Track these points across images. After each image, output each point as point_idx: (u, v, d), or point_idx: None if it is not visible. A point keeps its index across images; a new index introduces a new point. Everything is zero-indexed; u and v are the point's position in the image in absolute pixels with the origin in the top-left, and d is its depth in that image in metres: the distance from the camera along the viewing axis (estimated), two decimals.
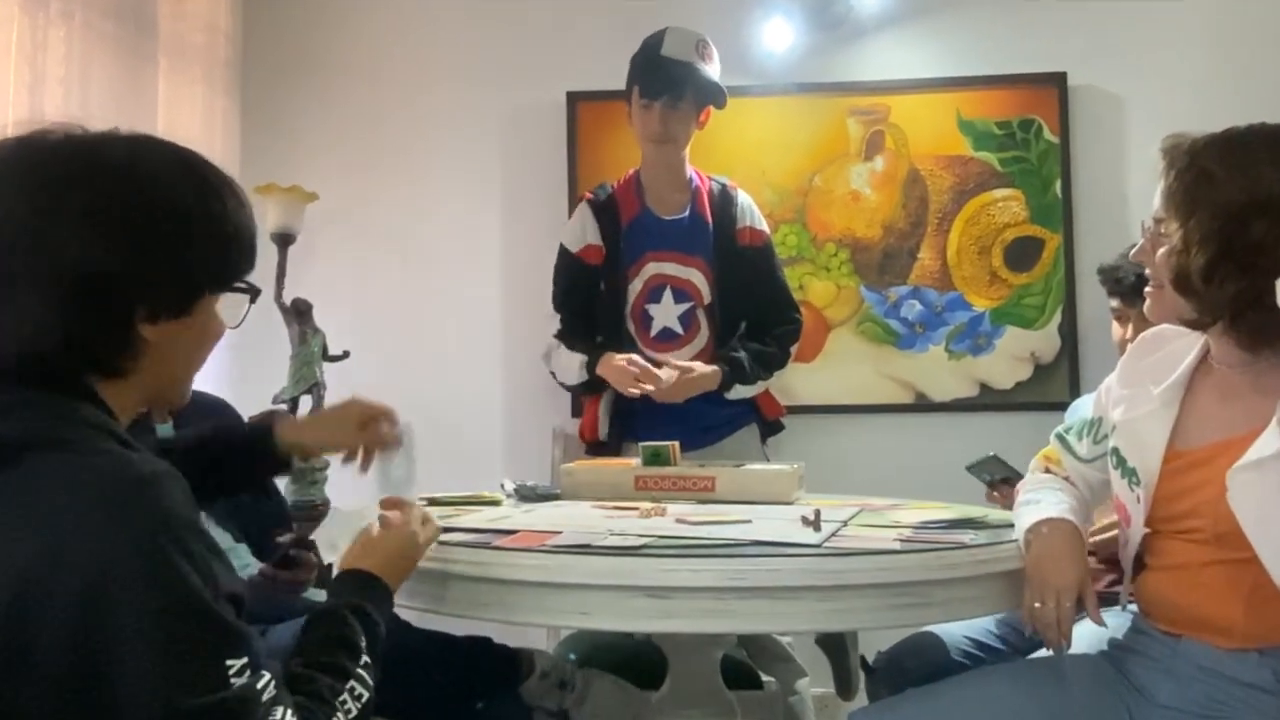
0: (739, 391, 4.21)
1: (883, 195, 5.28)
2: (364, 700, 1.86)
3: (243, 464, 2.66)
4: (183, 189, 1.81)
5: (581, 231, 4.35)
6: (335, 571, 2.17)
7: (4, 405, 1.69)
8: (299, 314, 4.64)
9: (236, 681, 1.60)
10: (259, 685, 1.64)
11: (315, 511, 4.55)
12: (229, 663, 1.60)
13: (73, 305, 1.71)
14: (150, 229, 1.75)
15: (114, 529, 1.55)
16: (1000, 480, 3.26)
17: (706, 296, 4.26)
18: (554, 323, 4.35)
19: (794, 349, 4.38)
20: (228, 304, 1.93)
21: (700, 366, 4.11)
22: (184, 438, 2.65)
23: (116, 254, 1.72)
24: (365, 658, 1.92)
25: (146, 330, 1.78)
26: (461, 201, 5.44)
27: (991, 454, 3.28)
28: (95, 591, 1.53)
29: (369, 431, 2.68)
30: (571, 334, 4.32)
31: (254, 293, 1.96)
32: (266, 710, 1.64)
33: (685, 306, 4.27)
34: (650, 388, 4.02)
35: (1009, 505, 3.35)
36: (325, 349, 4.71)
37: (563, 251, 4.40)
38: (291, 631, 2.04)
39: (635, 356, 4.10)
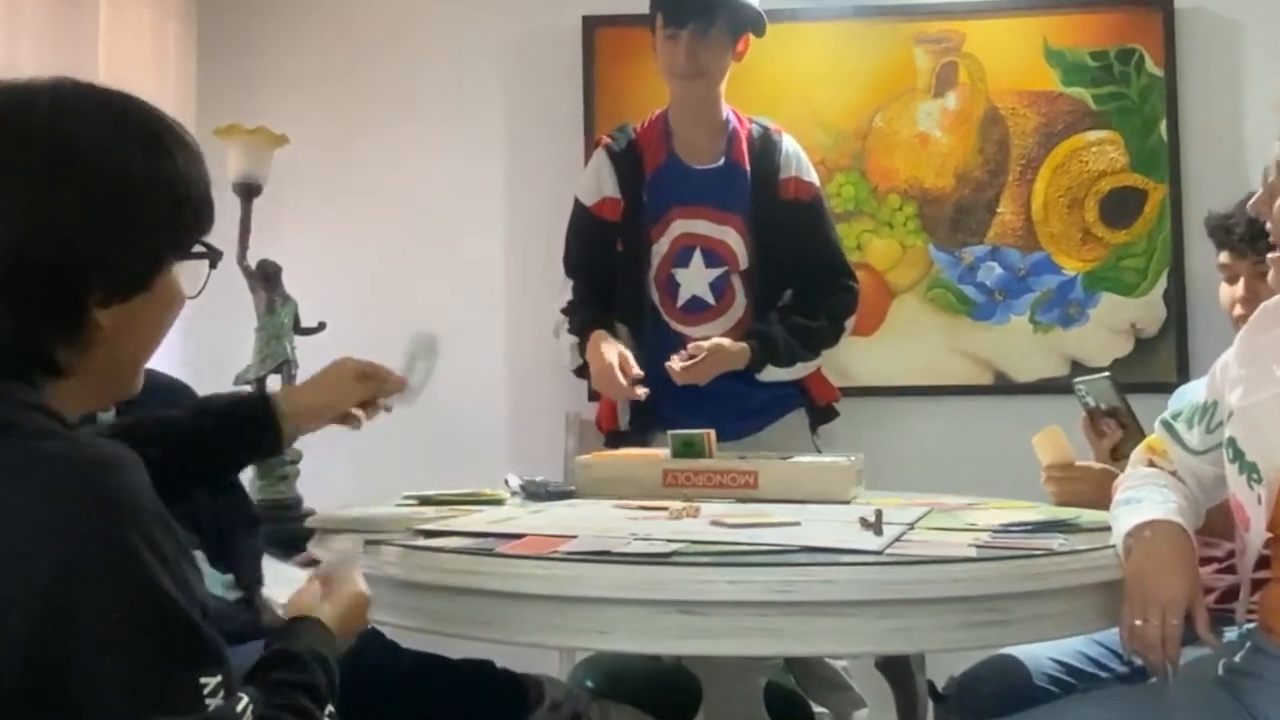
0: (773, 374, 4.20)
1: (955, 138, 5.27)
2: None
3: (231, 445, 2.70)
4: (122, 147, 1.79)
5: (597, 183, 4.35)
6: (286, 612, 2.15)
7: None
8: (266, 278, 4.66)
9: (211, 702, 1.60)
10: (238, 709, 1.64)
11: (288, 511, 4.57)
12: (203, 680, 1.60)
13: (14, 297, 1.71)
14: (91, 200, 1.74)
15: (70, 522, 1.54)
16: (1106, 411, 3.27)
17: (743, 260, 4.27)
18: (566, 293, 4.34)
19: (849, 322, 4.36)
20: (184, 271, 1.92)
21: (725, 343, 4.09)
22: (151, 419, 2.67)
23: (57, 234, 1.71)
24: (330, 707, 1.91)
25: (100, 315, 1.77)
26: (458, 146, 5.45)
27: (1106, 374, 3.29)
28: (53, 595, 1.52)
29: (373, 383, 2.86)
30: (584, 306, 4.32)
31: (214, 256, 1.97)
32: None
33: (718, 272, 4.27)
34: (641, 393, 4.03)
35: (1105, 455, 3.35)
36: (297, 320, 4.74)
37: (577, 207, 4.40)
38: (251, 656, 2.04)
39: (625, 353, 4.09)
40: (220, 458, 2.70)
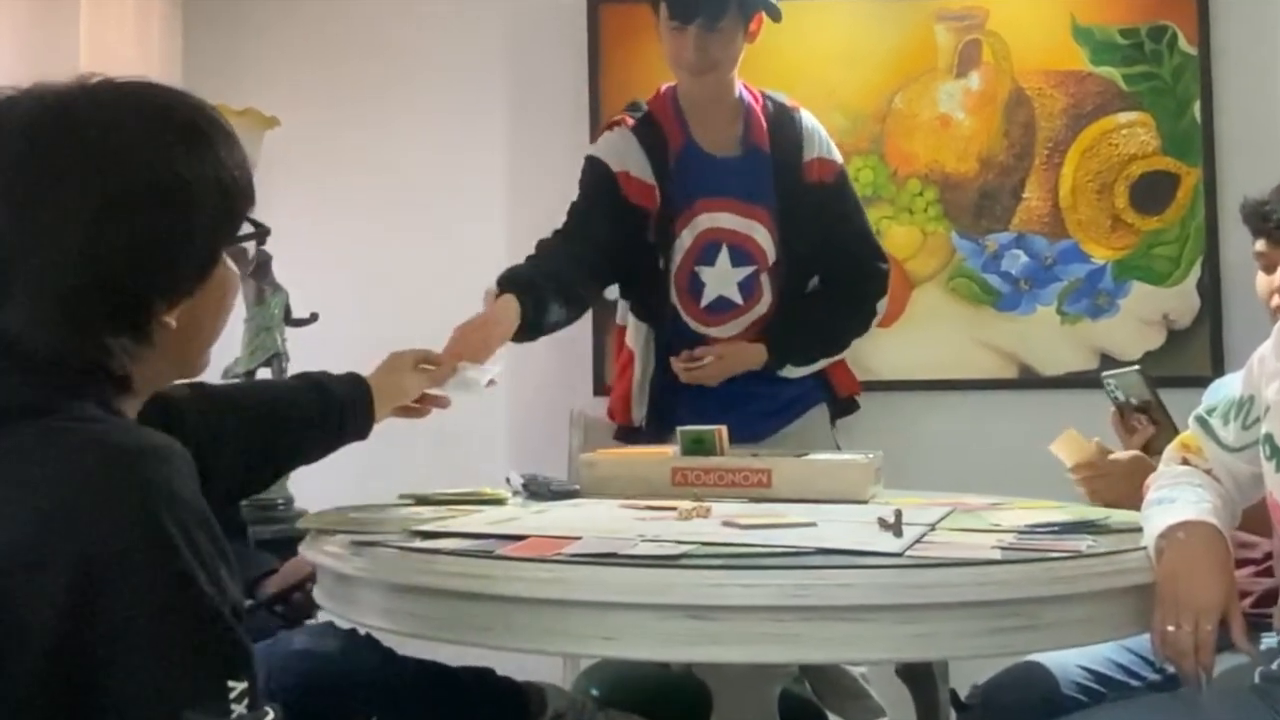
0: (792, 371, 4.21)
1: (979, 120, 5.27)
2: None
3: (329, 428, 2.83)
4: (170, 147, 1.83)
5: (623, 153, 4.20)
6: None
7: None
8: (255, 267, 4.64)
9: (236, 709, 1.60)
10: None
11: (277, 512, 4.56)
12: (231, 684, 1.60)
13: (81, 313, 1.74)
14: (150, 207, 1.78)
15: (109, 507, 1.56)
16: (1136, 406, 3.26)
17: (771, 255, 4.21)
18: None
19: (880, 305, 4.33)
20: (231, 251, 1.98)
21: (738, 348, 4.12)
22: (236, 390, 2.76)
23: (122, 246, 1.75)
24: None
25: (167, 318, 1.82)
26: (458, 129, 5.44)
27: (1136, 367, 3.28)
28: (86, 580, 1.54)
29: (429, 373, 3.09)
30: (553, 242, 4.05)
31: (262, 234, 2.03)
32: None
33: (747, 271, 4.20)
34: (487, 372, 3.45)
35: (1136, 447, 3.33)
36: (288, 311, 4.73)
37: (596, 164, 4.23)
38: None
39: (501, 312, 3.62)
40: (312, 438, 2.81)
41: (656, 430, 4.18)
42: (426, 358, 3.06)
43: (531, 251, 4.00)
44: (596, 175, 4.21)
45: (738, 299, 4.21)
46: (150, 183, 1.78)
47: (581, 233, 4.11)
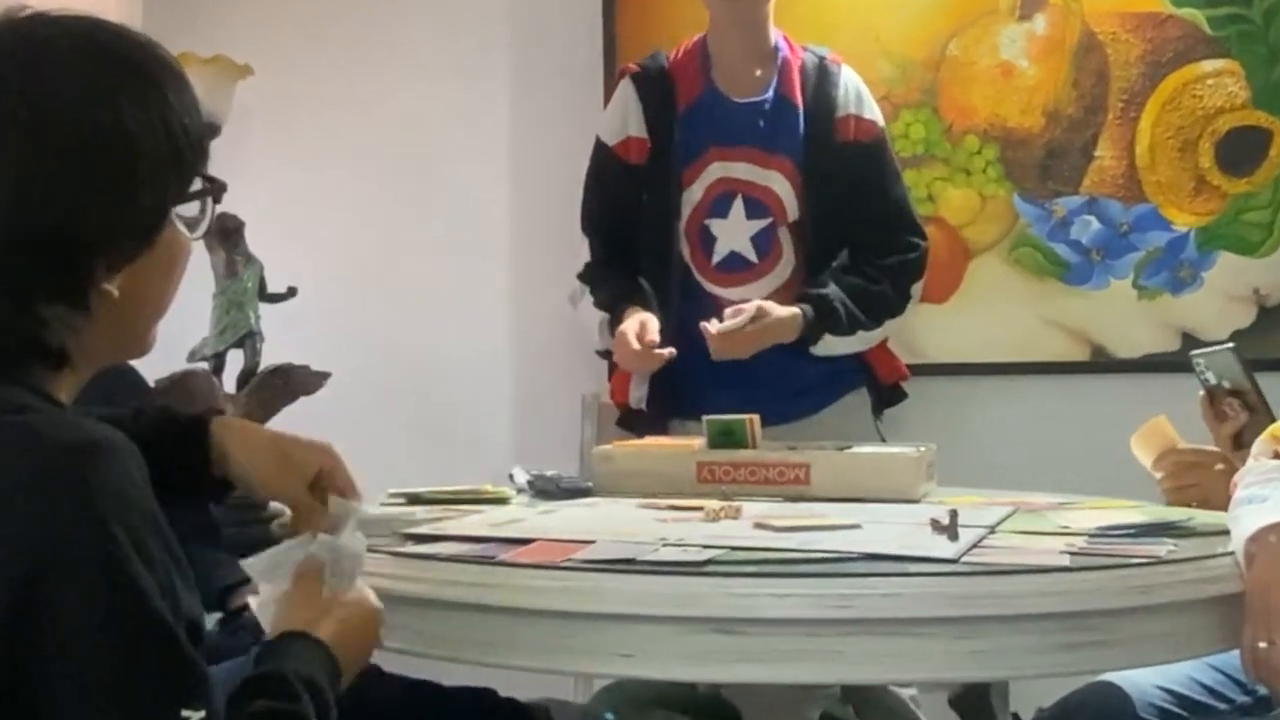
0: (830, 346, 4.17)
1: (1045, 69, 5.25)
2: None
3: (169, 469, 2.62)
4: (109, 93, 1.82)
5: (621, 119, 4.32)
6: (269, 627, 2.07)
7: None
8: (225, 235, 4.66)
9: None
10: None
11: (252, 513, 4.57)
12: (185, 713, 1.60)
13: (11, 282, 1.75)
14: (87, 162, 1.78)
15: (45, 508, 1.56)
16: (1229, 390, 3.25)
17: (791, 211, 4.24)
18: (583, 253, 4.32)
19: (916, 288, 4.34)
20: (183, 211, 1.97)
21: (769, 306, 4.05)
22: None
23: (55, 206, 1.75)
24: None
25: (109, 285, 1.81)
26: (455, 76, 5.44)
27: (1230, 346, 3.27)
28: (21, 594, 1.54)
29: (315, 497, 2.32)
30: (605, 267, 4.30)
31: (218, 190, 2.01)
32: None
33: (761, 224, 4.24)
34: (664, 354, 3.97)
35: (1227, 442, 3.32)
36: (262, 285, 4.73)
37: (598, 147, 4.37)
38: (228, 676, 2.04)
39: (647, 319, 4.05)
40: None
41: (661, 414, 4.19)
42: (348, 490, 2.32)
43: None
44: (600, 163, 4.37)
45: (752, 256, 4.25)
46: (87, 132, 1.78)
47: (614, 250, 4.31)
